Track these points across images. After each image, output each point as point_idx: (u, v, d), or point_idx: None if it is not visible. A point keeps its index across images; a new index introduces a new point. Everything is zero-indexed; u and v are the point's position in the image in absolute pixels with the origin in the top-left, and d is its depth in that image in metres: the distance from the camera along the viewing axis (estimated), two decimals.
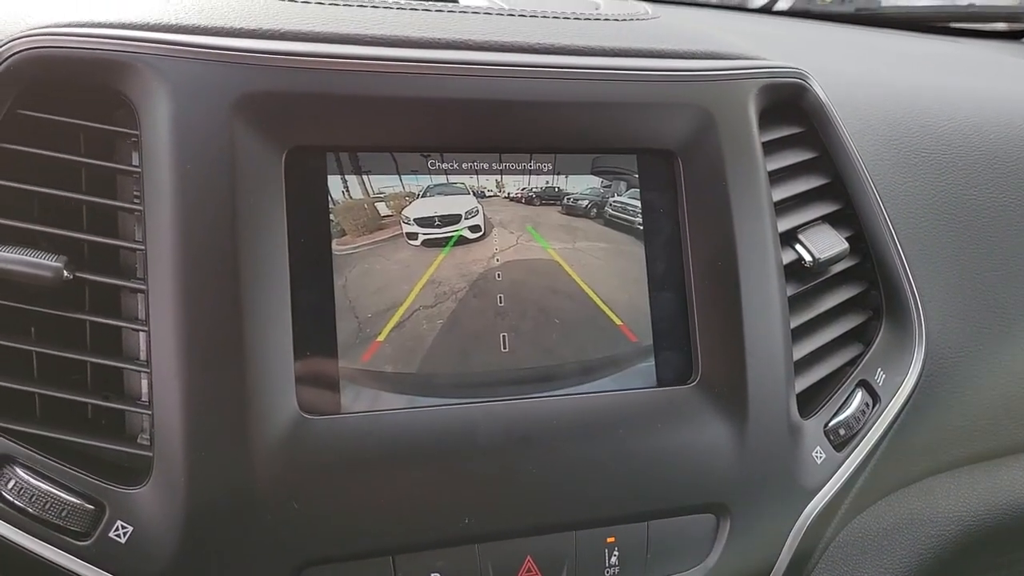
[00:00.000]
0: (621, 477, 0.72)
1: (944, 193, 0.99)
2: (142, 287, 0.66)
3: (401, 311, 0.70)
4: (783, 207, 0.85)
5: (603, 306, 0.76)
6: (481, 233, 0.74)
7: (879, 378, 0.87)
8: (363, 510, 0.66)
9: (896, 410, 0.87)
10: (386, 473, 0.67)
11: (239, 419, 0.64)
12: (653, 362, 0.77)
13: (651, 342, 0.77)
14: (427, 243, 0.72)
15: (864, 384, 0.86)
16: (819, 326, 0.86)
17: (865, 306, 0.91)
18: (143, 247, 0.66)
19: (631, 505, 0.73)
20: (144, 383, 0.66)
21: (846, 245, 0.86)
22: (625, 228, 0.77)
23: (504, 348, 0.72)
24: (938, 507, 0.99)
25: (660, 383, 0.76)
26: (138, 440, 0.66)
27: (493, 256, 0.74)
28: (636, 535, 0.74)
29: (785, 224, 0.84)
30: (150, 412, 0.64)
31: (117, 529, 0.63)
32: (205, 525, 0.63)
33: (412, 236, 0.72)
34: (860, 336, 0.90)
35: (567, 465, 0.71)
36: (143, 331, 0.66)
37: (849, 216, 0.90)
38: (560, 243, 0.75)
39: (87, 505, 0.63)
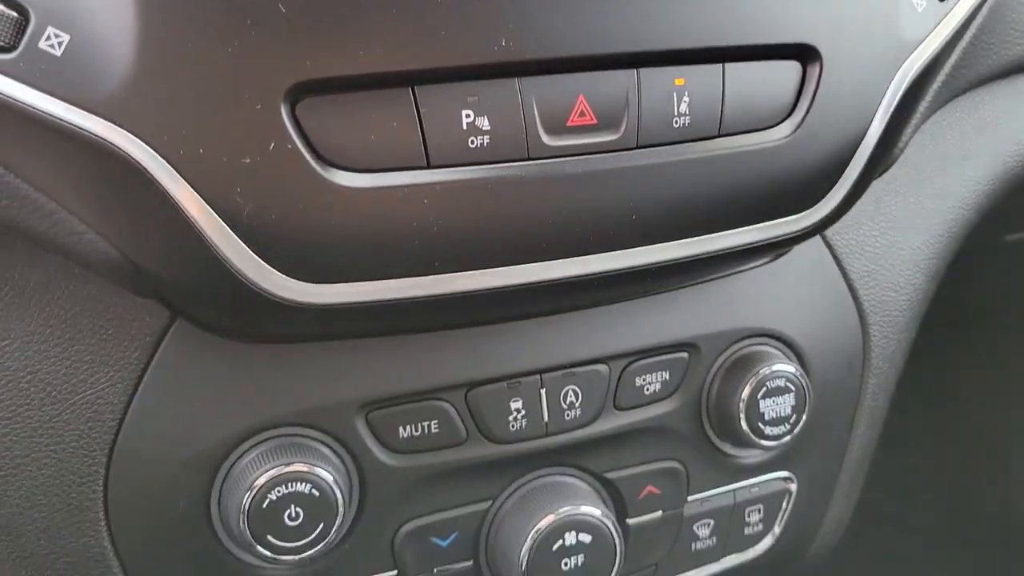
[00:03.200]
0: (691, 5, 0.57)
1: None
2: None
3: None
4: None
5: None
6: None
7: None
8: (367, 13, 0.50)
9: None
10: None
11: None
12: None
13: None
14: None
15: None
16: None
17: None
18: None
19: (703, 37, 0.58)
20: None
21: None
22: None
23: None
24: None
25: None
26: None
27: None
28: (709, 80, 0.59)
29: None
30: None
31: (49, 38, 0.47)
32: (160, 27, 0.48)
33: None
34: None
35: None
36: None
37: None
38: None
39: (7, 11, 0.47)
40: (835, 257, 0.79)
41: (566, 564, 0.65)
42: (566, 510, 0.65)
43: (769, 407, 0.71)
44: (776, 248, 0.66)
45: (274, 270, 0.52)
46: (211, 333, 0.60)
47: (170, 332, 0.60)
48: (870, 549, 1.82)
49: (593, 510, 0.66)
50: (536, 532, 0.65)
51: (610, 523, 0.67)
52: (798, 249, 0.76)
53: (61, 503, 0.59)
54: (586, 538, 0.66)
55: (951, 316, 1.33)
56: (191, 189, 0.49)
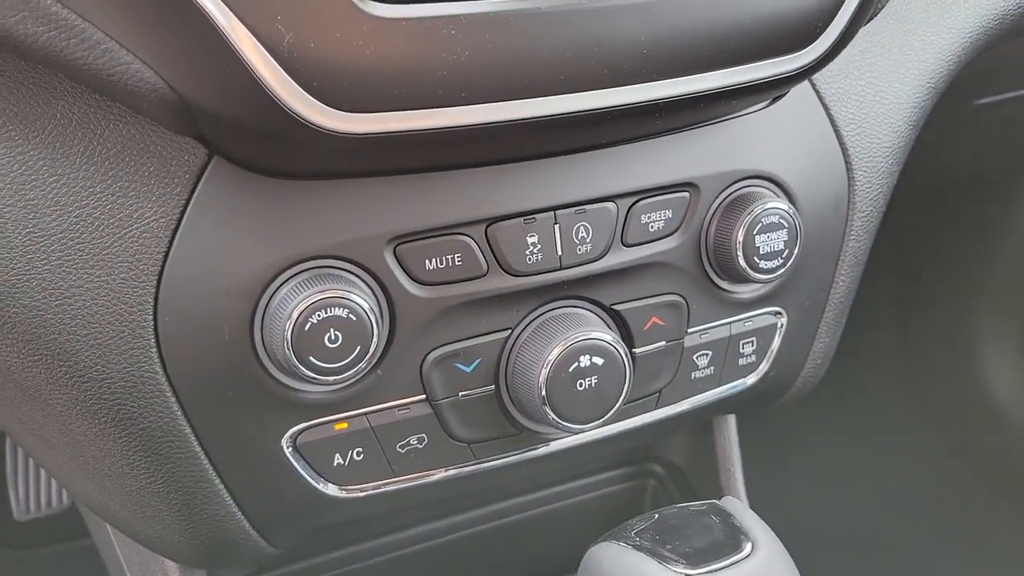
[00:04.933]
0: None
1: None
2: None
3: None
4: None
5: None
6: None
7: None
8: None
9: None
10: None
11: None
12: None
13: None
14: None
15: None
16: None
17: None
18: None
19: None
20: None
21: None
22: None
23: None
24: None
25: None
26: None
27: None
28: None
29: None
30: None
31: None
32: None
33: None
34: None
35: None
36: None
37: None
38: None
39: None
40: (824, 105, 0.83)
41: (580, 384, 0.71)
42: (580, 335, 0.71)
43: (764, 242, 0.76)
44: (774, 88, 0.70)
45: (312, 98, 0.55)
46: (247, 170, 0.64)
47: (208, 169, 0.63)
48: (830, 407, 1.93)
49: (605, 335, 0.71)
50: (554, 355, 0.70)
51: (621, 348, 0.72)
52: (790, 98, 0.81)
53: (115, 331, 0.63)
54: (599, 361, 0.71)
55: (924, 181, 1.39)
56: (235, 16, 0.52)
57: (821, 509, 1.90)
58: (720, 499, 0.66)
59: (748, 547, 0.56)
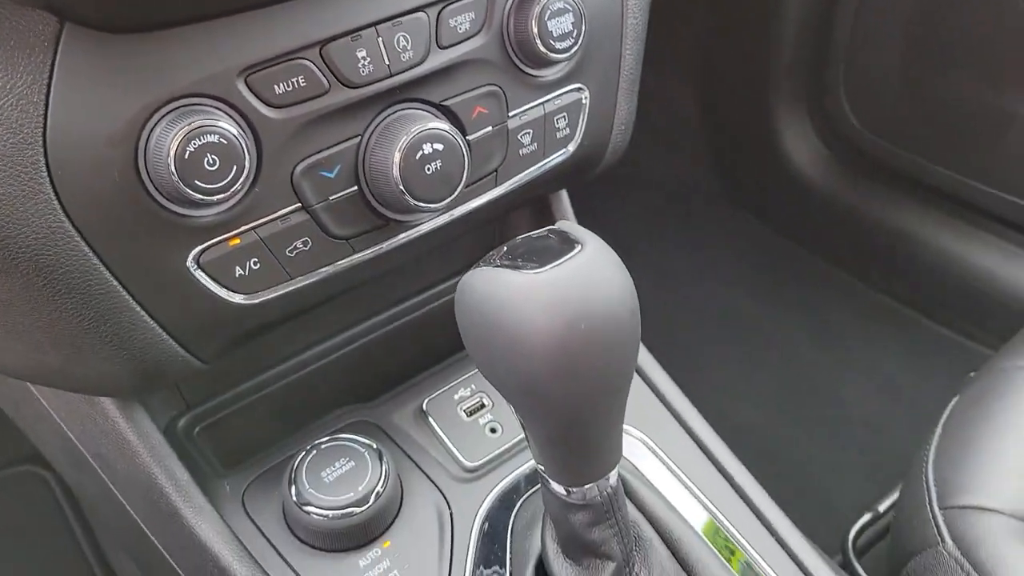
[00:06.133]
0: None
1: None
2: None
3: None
4: None
5: None
6: None
7: None
8: None
9: None
10: None
11: None
12: None
13: None
14: None
15: None
16: None
17: None
18: None
19: None
20: None
21: None
22: None
23: None
24: None
25: None
26: None
27: None
28: None
29: None
30: None
31: None
32: None
33: None
34: None
35: None
36: None
37: None
38: None
39: None
40: None
41: (428, 169, 0.85)
42: (419, 127, 0.84)
43: (555, 26, 0.90)
44: None
45: None
46: (98, 30, 0.72)
47: (63, 35, 0.71)
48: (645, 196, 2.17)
49: (441, 124, 0.85)
50: (401, 148, 0.83)
51: (456, 134, 0.86)
52: None
53: (17, 192, 0.72)
54: (439, 146, 0.85)
55: None
56: None
57: (655, 287, 2.15)
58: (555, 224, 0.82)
59: (579, 247, 0.73)
